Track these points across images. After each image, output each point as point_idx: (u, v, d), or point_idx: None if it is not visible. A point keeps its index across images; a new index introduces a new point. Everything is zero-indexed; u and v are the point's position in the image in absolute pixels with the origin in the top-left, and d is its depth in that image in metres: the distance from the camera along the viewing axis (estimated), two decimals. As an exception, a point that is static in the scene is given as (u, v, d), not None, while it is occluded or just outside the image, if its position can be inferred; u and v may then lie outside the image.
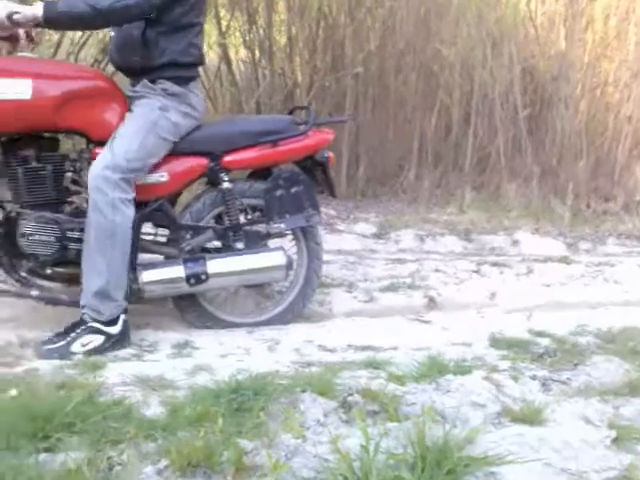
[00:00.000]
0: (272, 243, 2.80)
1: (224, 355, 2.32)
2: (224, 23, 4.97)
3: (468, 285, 3.25)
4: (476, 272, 3.37)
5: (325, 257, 3.01)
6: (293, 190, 2.68)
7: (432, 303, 3.08)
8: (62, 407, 1.69)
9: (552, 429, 1.85)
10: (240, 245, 2.68)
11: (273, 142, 2.65)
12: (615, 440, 1.82)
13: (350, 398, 1.93)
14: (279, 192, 2.66)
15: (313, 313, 2.91)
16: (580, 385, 2.12)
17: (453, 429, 1.72)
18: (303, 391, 1.92)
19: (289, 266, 2.71)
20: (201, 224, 2.67)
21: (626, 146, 4.61)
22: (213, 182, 2.68)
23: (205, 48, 5.03)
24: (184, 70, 2.55)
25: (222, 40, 4.92)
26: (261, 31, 4.98)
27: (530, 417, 1.90)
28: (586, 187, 4.34)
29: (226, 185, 2.64)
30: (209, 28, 4.99)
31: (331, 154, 2.81)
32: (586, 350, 2.37)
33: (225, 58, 5.02)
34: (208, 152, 2.62)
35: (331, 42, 4.92)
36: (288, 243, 2.83)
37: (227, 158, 2.63)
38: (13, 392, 1.83)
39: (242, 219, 2.73)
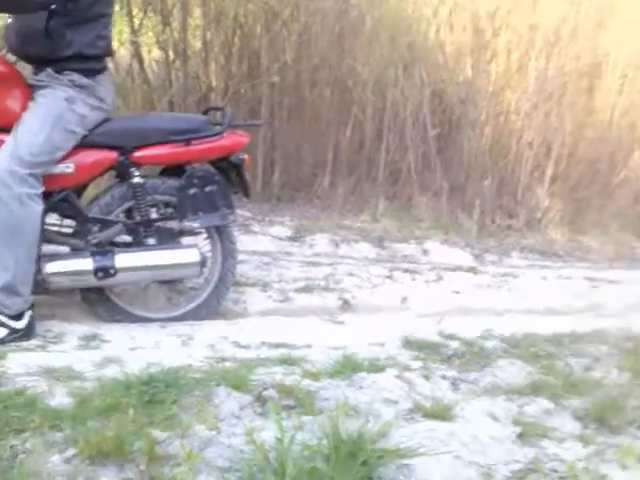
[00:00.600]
0: (187, 241, 2.75)
1: (134, 348, 2.24)
2: (137, 21, 4.85)
3: (381, 289, 3.31)
4: (388, 277, 3.44)
5: (240, 257, 2.99)
6: (207, 189, 2.66)
7: (346, 305, 3.11)
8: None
9: (461, 425, 1.91)
10: (152, 241, 2.63)
11: (186, 141, 2.63)
12: (520, 435, 1.90)
13: (265, 393, 1.91)
14: (193, 190, 2.64)
15: (227, 311, 2.88)
16: (487, 385, 2.20)
17: (366, 423, 1.73)
18: (217, 385, 1.89)
19: (202, 263, 2.67)
20: (110, 217, 2.60)
21: (527, 169, 4.89)
22: (123, 176, 2.62)
23: (116, 44, 4.93)
24: (92, 62, 2.48)
25: (134, 38, 4.79)
26: (175, 33, 4.90)
27: (440, 413, 1.95)
28: (491, 204, 4.55)
29: (137, 180, 2.59)
30: (121, 25, 4.86)
31: (246, 156, 2.81)
32: (492, 353, 2.45)
33: (137, 56, 4.89)
34: (118, 146, 2.57)
35: (247, 50, 4.91)
36: (203, 241, 2.79)
37: (137, 153, 2.59)
38: None
39: (154, 215, 2.68)
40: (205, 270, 2.74)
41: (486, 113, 5.29)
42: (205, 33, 4.87)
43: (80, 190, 2.65)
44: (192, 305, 2.76)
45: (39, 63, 2.47)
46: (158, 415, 1.70)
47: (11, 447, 1.47)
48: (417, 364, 2.29)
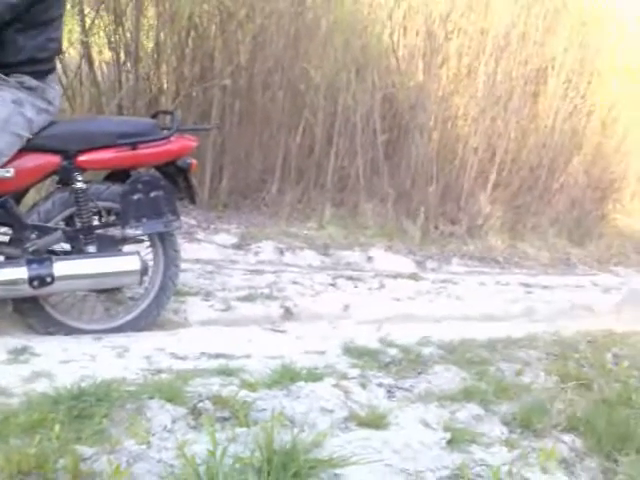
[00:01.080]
0: (129, 248, 2.71)
1: (67, 361, 2.20)
2: (88, 21, 4.78)
3: (323, 297, 3.33)
4: (332, 285, 3.47)
5: (183, 266, 2.96)
6: (152, 194, 2.61)
7: (288, 313, 3.12)
8: None
9: (394, 432, 1.95)
10: (92, 248, 2.58)
11: (132, 144, 2.58)
12: (450, 442, 1.95)
13: (200, 404, 1.92)
14: (137, 196, 2.59)
15: (167, 321, 2.85)
16: (421, 392, 2.25)
17: (301, 433, 1.75)
18: (151, 398, 1.89)
19: (144, 271, 2.63)
20: (49, 224, 2.54)
21: (472, 175, 4.99)
22: (66, 181, 2.55)
23: (66, 44, 4.85)
24: (42, 64, 2.43)
25: (85, 38, 4.72)
26: (128, 34, 4.84)
27: (375, 422, 1.99)
28: (435, 210, 4.63)
29: (79, 185, 2.53)
30: (71, 24, 4.78)
31: (194, 161, 2.77)
32: (429, 360, 2.50)
33: (87, 57, 4.81)
34: (61, 150, 2.50)
35: (200, 52, 4.89)
36: (145, 249, 2.75)
37: (82, 157, 2.53)
38: None
39: (96, 222, 2.63)
40: (146, 279, 2.69)
41: (435, 118, 5.38)
42: (158, 34, 4.82)
43: (19, 196, 2.57)
44: (131, 315, 2.72)
45: None
46: (86, 430, 1.68)
47: None
48: (355, 372, 2.33)
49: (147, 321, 2.74)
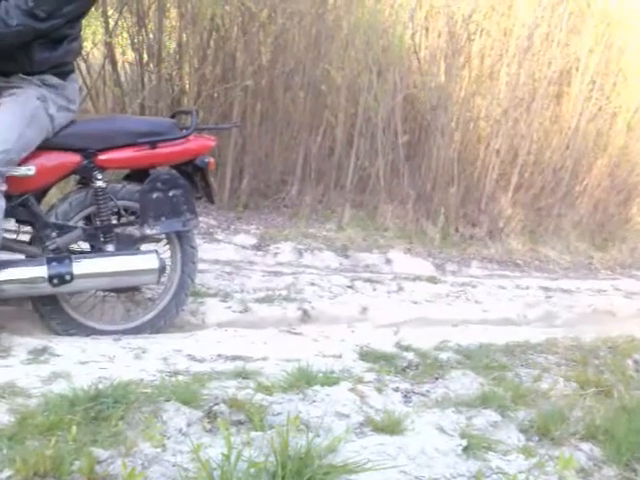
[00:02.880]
0: (147, 247, 2.73)
1: (85, 362, 2.22)
2: (111, 22, 4.83)
3: (341, 299, 3.33)
4: (350, 287, 3.46)
5: (202, 266, 2.99)
6: (171, 193, 2.63)
7: (305, 316, 3.12)
8: None
9: (410, 438, 1.93)
10: (111, 247, 2.60)
11: (152, 143, 2.60)
12: (466, 449, 1.92)
13: (216, 407, 1.92)
14: (156, 194, 2.61)
15: (185, 323, 2.86)
16: (438, 397, 2.23)
17: (316, 438, 1.74)
18: (167, 400, 1.89)
19: (162, 270, 2.64)
20: (69, 223, 2.56)
21: (493, 177, 4.94)
22: (86, 180, 2.58)
23: (89, 45, 4.92)
24: (63, 66, 2.47)
25: (108, 39, 4.77)
26: (150, 35, 4.88)
27: (390, 427, 1.97)
28: (456, 213, 4.59)
29: (99, 184, 2.55)
30: (95, 26, 4.84)
31: (212, 160, 2.78)
32: (446, 365, 2.49)
33: (110, 58, 4.87)
34: (82, 148, 2.52)
35: (222, 53, 4.92)
36: (162, 247, 2.77)
37: (102, 156, 2.55)
38: None
39: (115, 221, 2.65)
40: (164, 277, 2.70)
41: (456, 119, 5.35)
42: (181, 35, 4.87)
43: (40, 195, 2.60)
44: (150, 315, 2.73)
45: (9, 74, 2.44)
46: (103, 432, 1.69)
47: None
48: (371, 376, 2.32)
49: (167, 320, 2.75)
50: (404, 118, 5.12)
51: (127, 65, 5.04)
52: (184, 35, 4.87)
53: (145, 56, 4.87)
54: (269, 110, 4.92)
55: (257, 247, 3.76)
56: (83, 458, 1.54)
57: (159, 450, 1.68)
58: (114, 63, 4.89)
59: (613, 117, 5.70)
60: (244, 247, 3.73)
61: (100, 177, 2.55)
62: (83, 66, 4.84)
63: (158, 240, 2.76)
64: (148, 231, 2.62)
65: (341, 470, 1.70)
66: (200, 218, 3.92)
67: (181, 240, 2.74)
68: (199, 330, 2.79)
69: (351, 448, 1.81)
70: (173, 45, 5.04)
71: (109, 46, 4.82)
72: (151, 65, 4.88)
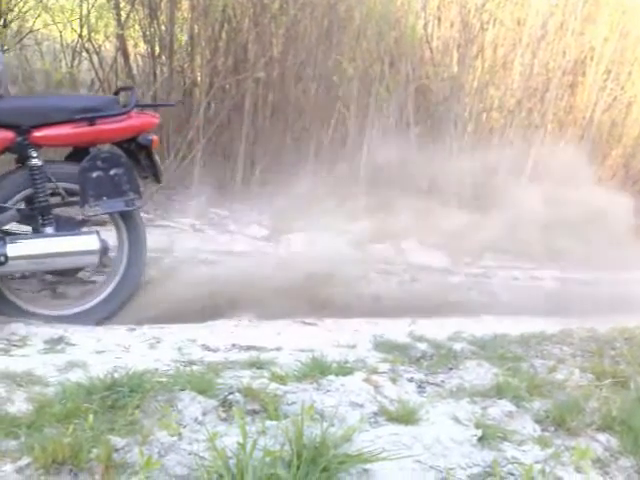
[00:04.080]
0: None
1: (101, 352, 2.24)
2: (124, 14, 4.84)
3: (355, 290, 3.31)
4: (363, 278, 3.44)
5: (215, 257, 2.97)
6: (112, 172, 2.55)
7: (319, 306, 3.10)
8: None
9: (425, 428, 1.93)
10: (50, 229, 2.52)
11: (90, 120, 2.52)
12: (481, 439, 1.92)
13: (231, 397, 1.93)
14: (96, 173, 2.52)
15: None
16: (452, 387, 2.23)
17: (330, 428, 1.75)
18: (182, 389, 1.90)
19: (103, 251, 2.56)
20: (6, 204, 2.49)
21: (506, 168, 4.90)
22: (22, 159, 2.51)
23: (102, 38, 4.93)
24: None
25: (120, 31, 4.79)
26: (162, 27, 4.89)
27: (405, 417, 1.97)
28: (469, 202, 4.57)
29: (34, 162, 2.48)
30: (107, 18, 4.85)
31: (155, 137, 2.70)
32: (460, 355, 2.48)
33: (122, 50, 4.88)
34: (14, 125, 2.45)
35: (233, 45, 4.93)
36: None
37: (36, 133, 2.48)
38: None
39: (54, 202, 2.57)
40: (110, 261, 2.63)
41: (469, 110, 5.32)
42: (192, 27, 4.88)
43: None
44: (95, 301, 2.65)
45: None
46: (119, 421, 1.70)
47: None
48: (385, 366, 2.32)
49: (116, 306, 2.67)
50: (416, 109, 5.10)
51: (139, 57, 5.05)
52: (196, 27, 4.88)
53: (157, 48, 4.89)
54: (281, 102, 4.92)
55: (269, 238, 3.75)
56: (101, 446, 1.55)
57: (175, 438, 1.69)
58: (126, 56, 4.90)
59: (628, 107, 5.65)
60: (256, 238, 3.73)
61: (35, 155, 2.49)
62: (95, 59, 4.86)
63: (103, 222, 2.69)
64: (88, 212, 2.54)
65: (356, 459, 1.70)
66: (213, 209, 3.98)
67: (127, 222, 2.65)
68: (211, 320, 2.79)
69: (365, 438, 1.81)
70: (185, 37, 5.06)
71: (121, 38, 4.84)
72: (163, 57, 4.90)
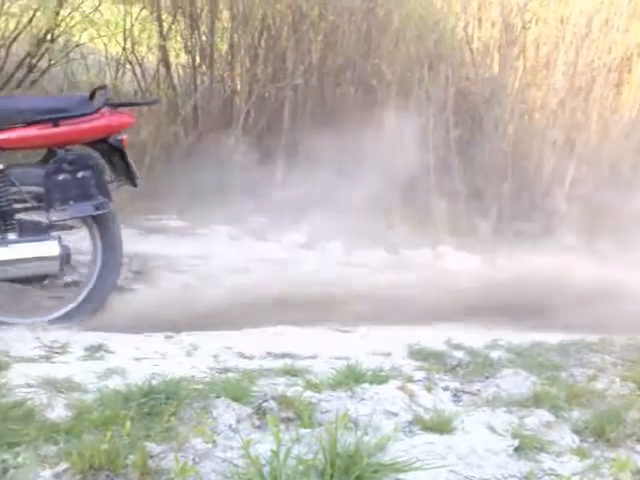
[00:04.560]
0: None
1: (139, 359, 2.28)
2: (165, 26, 4.96)
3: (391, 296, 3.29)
4: (400, 284, 3.42)
5: (253, 265, 3.00)
6: (79, 175, 2.46)
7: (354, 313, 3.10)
8: (-43, 408, 1.64)
9: (460, 438, 1.92)
10: (13, 235, 2.44)
11: (54, 121, 2.44)
12: (517, 449, 1.90)
13: (265, 404, 1.95)
14: (62, 176, 2.44)
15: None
16: (489, 396, 2.20)
17: (364, 436, 1.75)
18: (217, 396, 1.93)
19: (65, 258, 2.48)
20: None
21: (548, 170, 4.82)
22: None
23: (144, 50, 5.06)
24: None
25: (162, 42, 4.90)
26: (203, 37, 4.99)
27: (440, 426, 1.96)
28: (509, 208, 4.49)
29: None
30: (150, 30, 4.97)
31: (125, 137, 2.58)
32: (497, 363, 2.45)
33: (164, 61, 4.99)
34: None
35: (273, 52, 4.98)
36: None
37: None
38: None
39: (17, 206, 2.49)
40: (82, 268, 2.60)
41: (510, 111, 5.24)
42: (232, 36, 4.95)
43: None
44: (69, 307, 2.59)
45: None
46: (156, 427, 1.74)
47: (2, 461, 1.50)
48: (420, 374, 2.31)
49: (89, 312, 2.60)
50: (455, 112, 5.05)
51: (180, 68, 5.16)
52: (235, 36, 4.96)
53: (197, 58, 4.98)
54: (319, 108, 4.94)
55: (307, 245, 3.76)
56: (137, 452, 1.58)
57: (210, 446, 1.72)
58: (168, 66, 5.01)
59: (677, 105, 5.46)
60: (294, 245, 3.74)
61: None
62: (138, 70, 4.99)
63: (70, 228, 2.61)
64: (54, 216, 2.46)
65: (390, 469, 1.70)
66: (251, 217, 4.00)
67: (100, 226, 2.57)
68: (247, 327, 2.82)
69: (400, 447, 1.81)
70: (225, 46, 5.13)
71: (163, 49, 4.95)
72: (203, 67, 4.99)
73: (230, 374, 2.16)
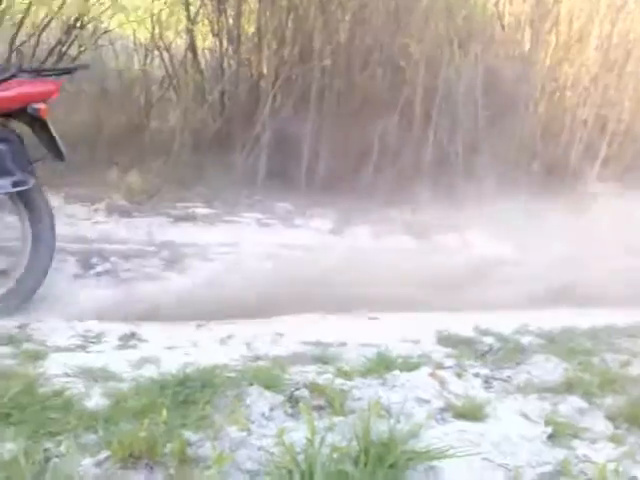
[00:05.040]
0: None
1: (172, 348, 2.31)
2: (193, 10, 4.95)
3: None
4: (426, 270, 3.39)
5: (278, 251, 3.00)
6: None
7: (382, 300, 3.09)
8: (-1, 397, 1.68)
9: (492, 425, 1.92)
10: None
11: None
12: (551, 436, 1.89)
13: (297, 392, 1.96)
14: None
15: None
16: (520, 383, 2.19)
17: (397, 424, 1.75)
18: (250, 384, 1.94)
19: None
20: None
21: (579, 149, 4.72)
22: None
23: (172, 35, 5.06)
24: None
25: (190, 26, 4.90)
26: (230, 20, 4.97)
27: (472, 413, 1.96)
28: (539, 189, 4.42)
29: None
30: (178, 14, 4.97)
31: (42, 106, 2.38)
32: (528, 349, 2.43)
33: (191, 46, 4.99)
34: None
35: (300, 33, 4.93)
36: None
37: None
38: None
39: None
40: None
41: (541, 89, 5.13)
42: (259, 17, 4.92)
43: None
44: (6, 287, 2.47)
45: None
46: (191, 416, 1.76)
47: (44, 450, 1.54)
48: (451, 361, 2.31)
49: (29, 288, 2.49)
50: (485, 91, 4.96)
51: (207, 52, 5.15)
52: (262, 18, 4.91)
53: (225, 42, 4.96)
54: (347, 89, 4.89)
55: (333, 231, 3.74)
56: (175, 441, 1.61)
57: (244, 434, 1.73)
58: (194, 51, 5.01)
59: None
60: (321, 231, 3.73)
61: None
62: (166, 55, 4.99)
63: None
64: None
65: (424, 456, 1.70)
66: (275, 203, 3.98)
67: (27, 203, 2.42)
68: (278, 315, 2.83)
69: (432, 434, 1.81)
70: (252, 29, 5.10)
71: (190, 33, 4.94)
72: (230, 50, 4.97)
73: (262, 362, 2.18)
